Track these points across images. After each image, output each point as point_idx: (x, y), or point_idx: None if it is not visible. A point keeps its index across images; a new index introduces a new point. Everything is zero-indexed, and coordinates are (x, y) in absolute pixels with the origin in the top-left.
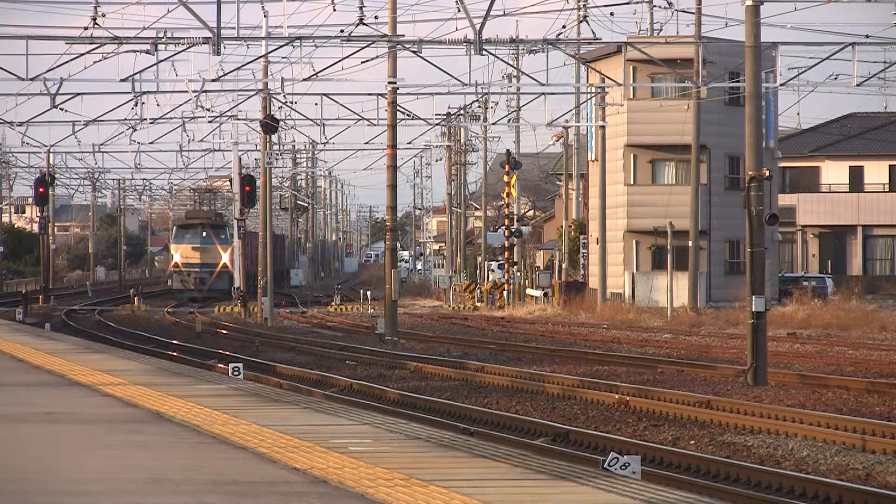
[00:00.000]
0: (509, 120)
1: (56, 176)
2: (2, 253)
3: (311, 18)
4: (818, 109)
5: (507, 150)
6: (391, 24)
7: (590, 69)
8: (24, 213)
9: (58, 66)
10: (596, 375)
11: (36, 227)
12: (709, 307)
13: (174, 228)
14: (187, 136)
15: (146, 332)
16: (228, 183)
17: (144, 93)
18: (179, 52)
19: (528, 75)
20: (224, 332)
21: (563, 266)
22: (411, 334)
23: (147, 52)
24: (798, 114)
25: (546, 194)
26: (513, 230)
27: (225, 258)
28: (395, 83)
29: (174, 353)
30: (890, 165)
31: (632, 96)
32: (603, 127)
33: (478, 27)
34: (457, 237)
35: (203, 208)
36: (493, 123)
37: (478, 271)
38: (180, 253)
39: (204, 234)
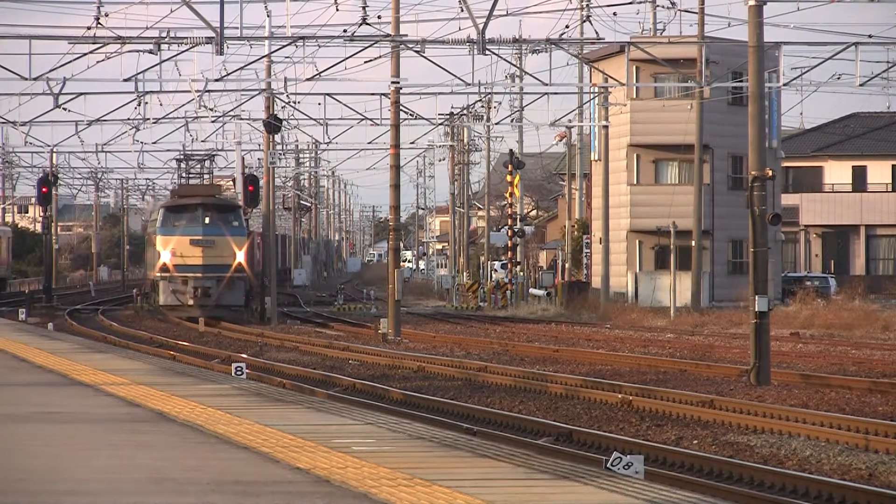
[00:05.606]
0: (512, 120)
1: (59, 176)
2: None
3: (315, 18)
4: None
5: (511, 150)
6: (394, 23)
7: (593, 69)
8: (27, 212)
9: (61, 66)
10: (599, 374)
11: (39, 227)
12: (712, 307)
13: (161, 211)
14: (190, 135)
15: (148, 332)
16: (231, 183)
17: (147, 93)
18: (182, 51)
19: (531, 75)
20: (226, 332)
21: (566, 266)
22: (414, 334)
23: (150, 51)
24: (801, 114)
25: (549, 194)
26: (516, 230)
27: (240, 257)
28: (399, 83)
29: (177, 353)
30: (893, 165)
31: (635, 96)
32: (606, 127)
33: (481, 27)
34: (460, 237)
35: (201, 182)
36: (497, 123)
37: (481, 271)
38: (171, 249)
39: (206, 219)
